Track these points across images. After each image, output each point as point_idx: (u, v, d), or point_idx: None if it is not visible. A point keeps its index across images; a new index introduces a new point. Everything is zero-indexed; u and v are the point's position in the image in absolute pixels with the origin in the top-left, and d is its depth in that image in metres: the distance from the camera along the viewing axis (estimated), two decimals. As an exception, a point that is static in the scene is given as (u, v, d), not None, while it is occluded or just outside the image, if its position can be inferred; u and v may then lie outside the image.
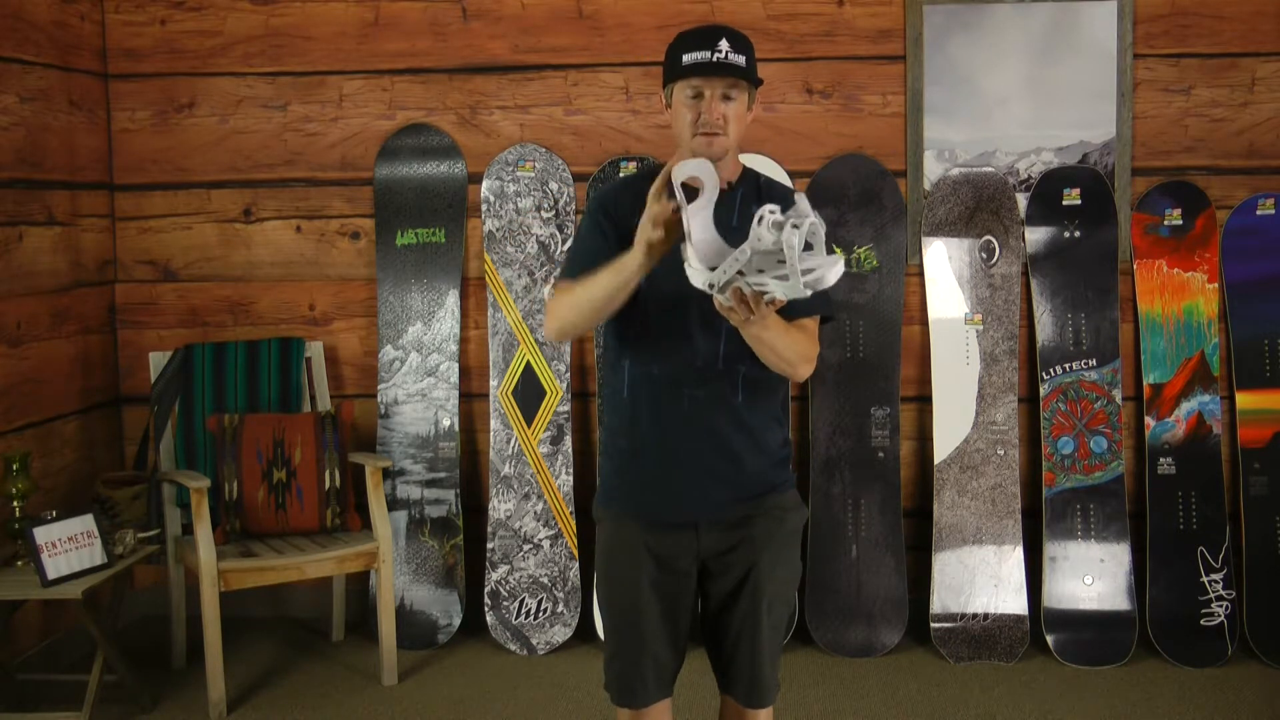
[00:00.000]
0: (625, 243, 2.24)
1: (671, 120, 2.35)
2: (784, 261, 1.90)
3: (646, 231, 2.10)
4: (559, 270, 2.39)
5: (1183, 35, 4.07)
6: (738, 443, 2.33)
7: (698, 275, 2.02)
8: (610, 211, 2.35)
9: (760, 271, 1.95)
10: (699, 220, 2.07)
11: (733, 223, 2.34)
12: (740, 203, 2.35)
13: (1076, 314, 4.07)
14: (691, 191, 2.11)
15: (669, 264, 2.26)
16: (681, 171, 2.10)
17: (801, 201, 1.96)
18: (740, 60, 2.27)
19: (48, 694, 3.65)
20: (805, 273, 1.90)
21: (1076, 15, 4.06)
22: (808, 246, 1.94)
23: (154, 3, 4.29)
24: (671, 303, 2.30)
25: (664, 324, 2.30)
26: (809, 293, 1.92)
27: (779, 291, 1.94)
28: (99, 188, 4.31)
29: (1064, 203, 4.07)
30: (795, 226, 1.88)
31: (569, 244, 2.42)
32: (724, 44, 2.26)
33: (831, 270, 1.92)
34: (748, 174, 2.40)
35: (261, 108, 4.31)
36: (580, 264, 2.31)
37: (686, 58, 2.27)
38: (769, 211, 1.93)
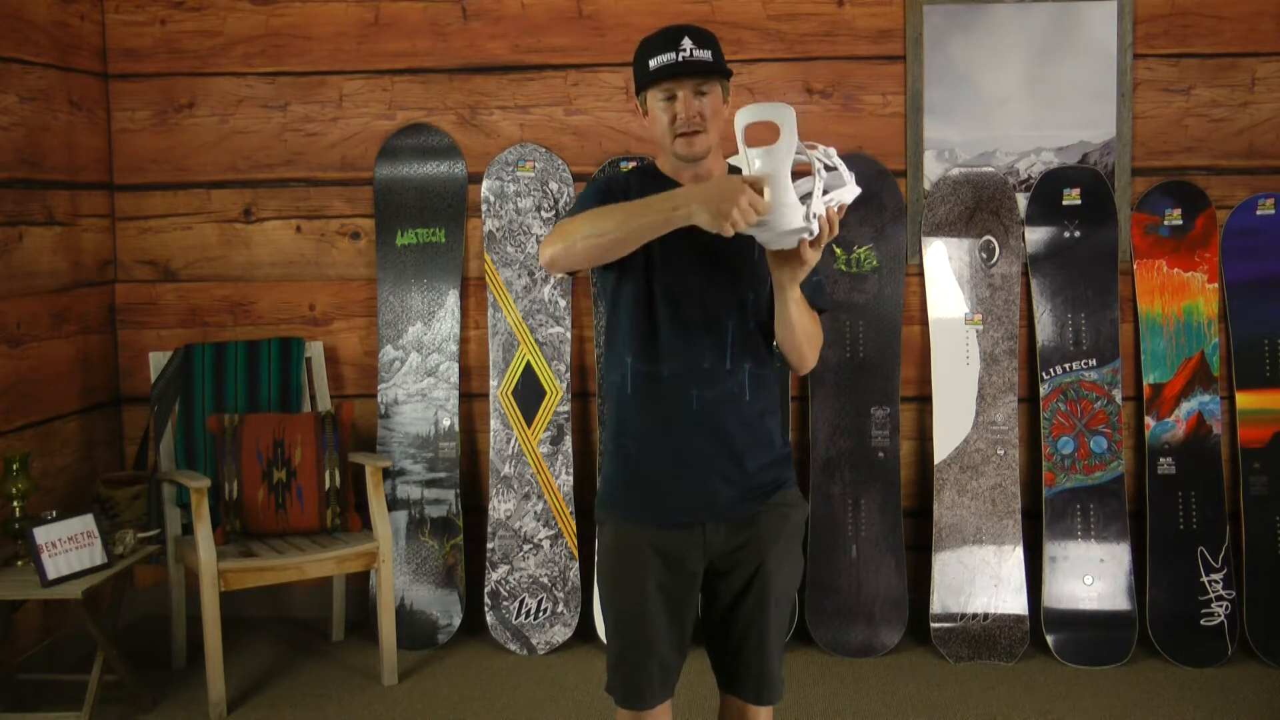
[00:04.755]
0: None
1: (649, 126, 2.35)
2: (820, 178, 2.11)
3: (725, 209, 2.01)
4: (562, 216, 2.36)
5: (1183, 35, 4.07)
6: (744, 442, 2.33)
7: (793, 213, 2.05)
8: (621, 191, 2.33)
9: (809, 194, 2.09)
10: (785, 166, 2.07)
11: None
12: None
13: (1076, 314, 4.07)
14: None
15: (676, 264, 2.27)
16: (746, 116, 2.10)
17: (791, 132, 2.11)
18: (706, 55, 2.28)
19: (48, 694, 3.65)
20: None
21: (1076, 15, 4.06)
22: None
23: (154, 3, 4.29)
24: (679, 303, 2.30)
25: (671, 324, 2.30)
26: (859, 190, 2.17)
27: (846, 197, 2.14)
28: (99, 188, 4.31)
29: (1064, 203, 4.08)
30: (812, 147, 2.12)
31: (570, 205, 2.40)
32: (687, 42, 2.27)
33: (849, 174, 2.17)
34: (734, 171, 2.40)
35: (261, 108, 4.31)
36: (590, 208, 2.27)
37: (653, 62, 2.28)
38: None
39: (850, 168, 2.21)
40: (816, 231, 2.10)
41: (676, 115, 2.28)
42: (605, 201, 2.29)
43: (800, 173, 2.10)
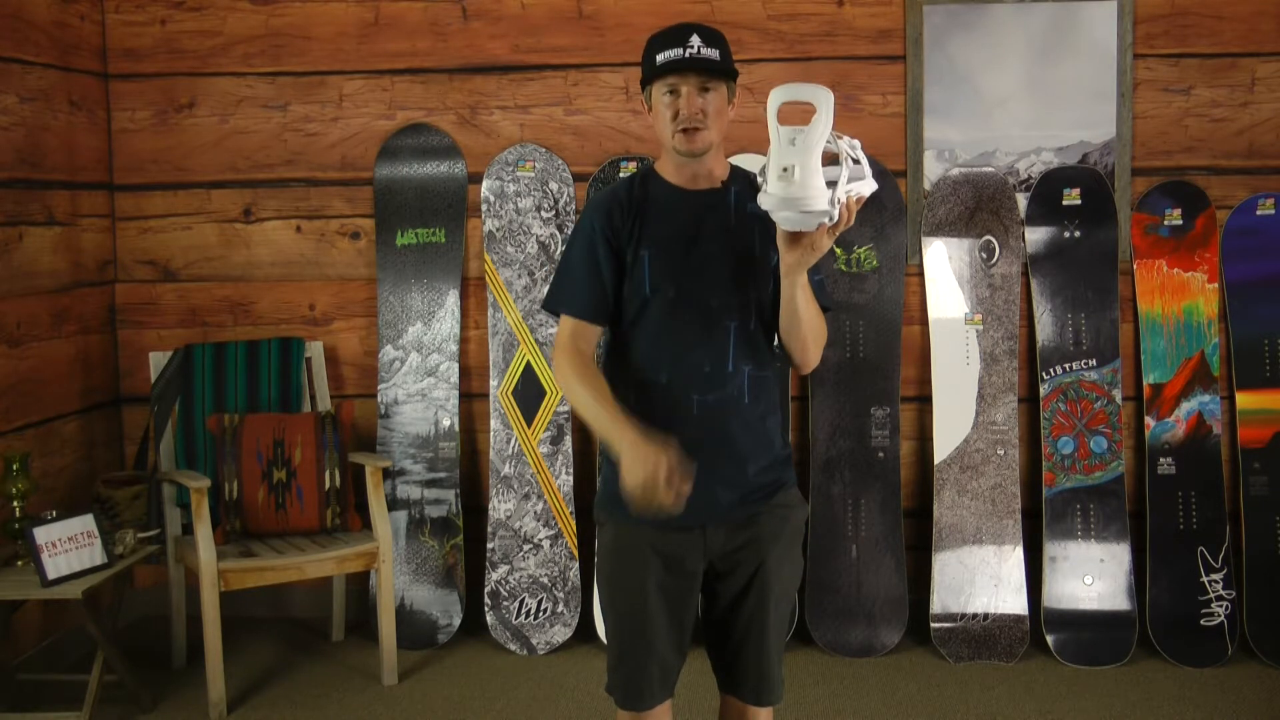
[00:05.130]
0: (621, 255, 2.30)
1: (653, 122, 2.35)
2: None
3: (637, 483, 2.09)
4: (551, 290, 2.41)
5: (1183, 35, 4.07)
6: (746, 445, 2.33)
7: (820, 195, 2.07)
8: (604, 235, 2.34)
9: (834, 181, 2.12)
10: (818, 148, 2.07)
11: (730, 223, 2.33)
12: (735, 200, 2.34)
13: (1076, 314, 4.07)
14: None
15: (675, 269, 2.27)
16: (782, 95, 2.10)
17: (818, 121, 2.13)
18: (713, 54, 2.28)
19: (48, 694, 3.65)
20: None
21: (1076, 15, 4.06)
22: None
23: (154, 3, 4.29)
24: (678, 308, 2.29)
25: (670, 329, 2.30)
26: (877, 186, 2.21)
27: (866, 190, 2.17)
28: (99, 188, 4.31)
29: (1064, 203, 4.08)
30: (839, 137, 2.13)
31: (562, 250, 2.41)
32: (695, 39, 2.27)
33: (869, 169, 2.20)
34: (737, 172, 2.40)
35: (261, 108, 4.31)
36: (575, 293, 2.34)
37: (660, 57, 2.28)
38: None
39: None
40: (837, 217, 2.11)
41: (679, 111, 2.28)
42: (590, 266, 2.32)
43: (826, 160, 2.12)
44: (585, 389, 2.25)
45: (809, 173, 2.05)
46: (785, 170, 2.04)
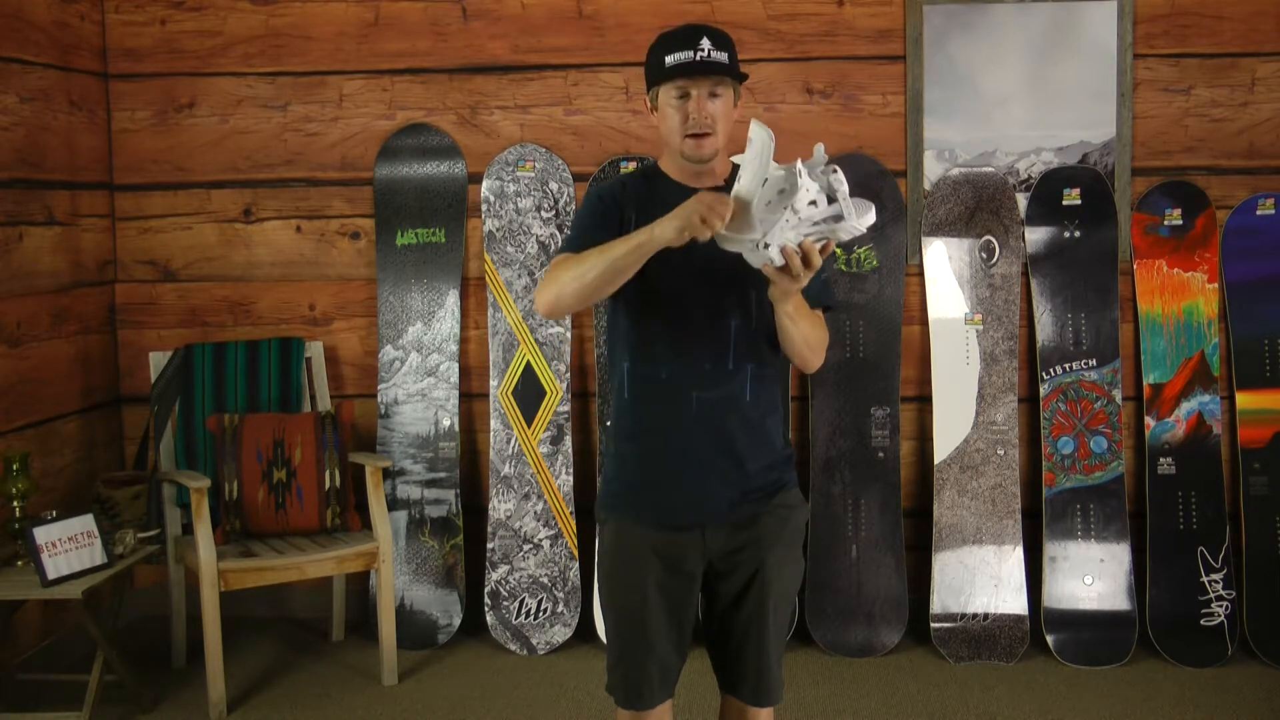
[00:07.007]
0: (626, 227, 2.28)
1: (659, 123, 2.34)
2: (798, 211, 2.02)
3: (694, 217, 2.05)
4: (559, 246, 2.40)
5: (1183, 35, 4.07)
6: (745, 444, 2.32)
7: (747, 239, 2.03)
8: (613, 202, 2.34)
9: (802, 223, 2.04)
10: (749, 190, 2.05)
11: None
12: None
13: (1076, 314, 4.07)
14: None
15: (674, 266, 2.27)
16: (755, 130, 2.07)
17: (819, 151, 2.07)
18: (723, 58, 2.27)
19: (48, 694, 3.65)
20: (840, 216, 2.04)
21: (1076, 15, 4.06)
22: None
23: (154, 3, 4.29)
24: (680, 304, 2.29)
25: (671, 326, 2.30)
26: (863, 230, 2.05)
27: (843, 234, 2.05)
28: (99, 188, 4.31)
29: (1064, 203, 4.08)
30: (835, 171, 2.02)
31: (569, 223, 2.41)
32: (705, 43, 2.26)
33: (870, 211, 2.07)
34: (736, 170, 2.39)
35: (261, 108, 4.31)
36: (583, 242, 2.29)
37: (670, 59, 2.27)
38: (801, 164, 2.04)
39: (862, 192, 2.17)
40: (779, 262, 2.06)
41: (689, 115, 2.27)
42: (599, 219, 2.30)
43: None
44: (595, 252, 2.19)
45: (740, 214, 2.02)
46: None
